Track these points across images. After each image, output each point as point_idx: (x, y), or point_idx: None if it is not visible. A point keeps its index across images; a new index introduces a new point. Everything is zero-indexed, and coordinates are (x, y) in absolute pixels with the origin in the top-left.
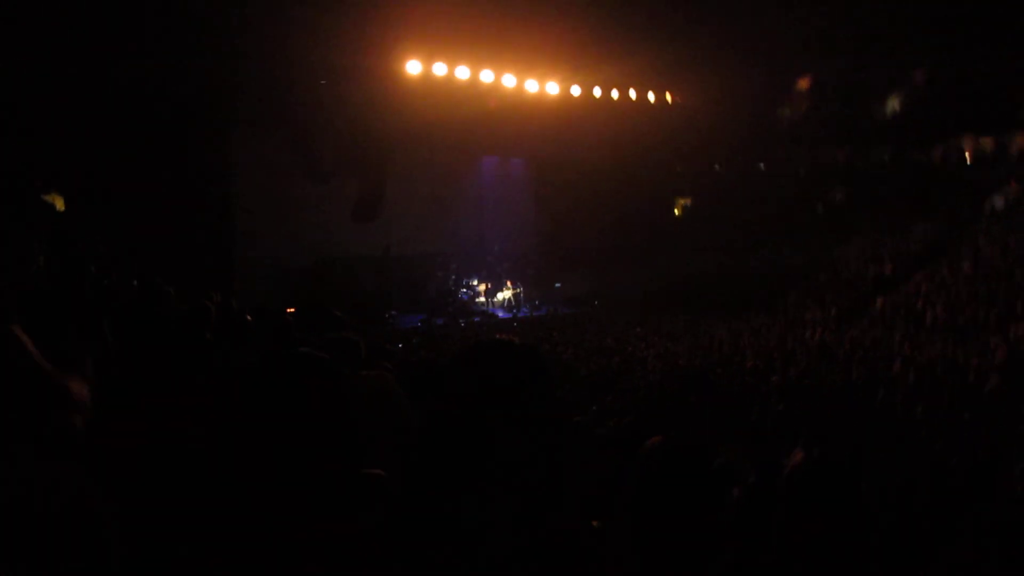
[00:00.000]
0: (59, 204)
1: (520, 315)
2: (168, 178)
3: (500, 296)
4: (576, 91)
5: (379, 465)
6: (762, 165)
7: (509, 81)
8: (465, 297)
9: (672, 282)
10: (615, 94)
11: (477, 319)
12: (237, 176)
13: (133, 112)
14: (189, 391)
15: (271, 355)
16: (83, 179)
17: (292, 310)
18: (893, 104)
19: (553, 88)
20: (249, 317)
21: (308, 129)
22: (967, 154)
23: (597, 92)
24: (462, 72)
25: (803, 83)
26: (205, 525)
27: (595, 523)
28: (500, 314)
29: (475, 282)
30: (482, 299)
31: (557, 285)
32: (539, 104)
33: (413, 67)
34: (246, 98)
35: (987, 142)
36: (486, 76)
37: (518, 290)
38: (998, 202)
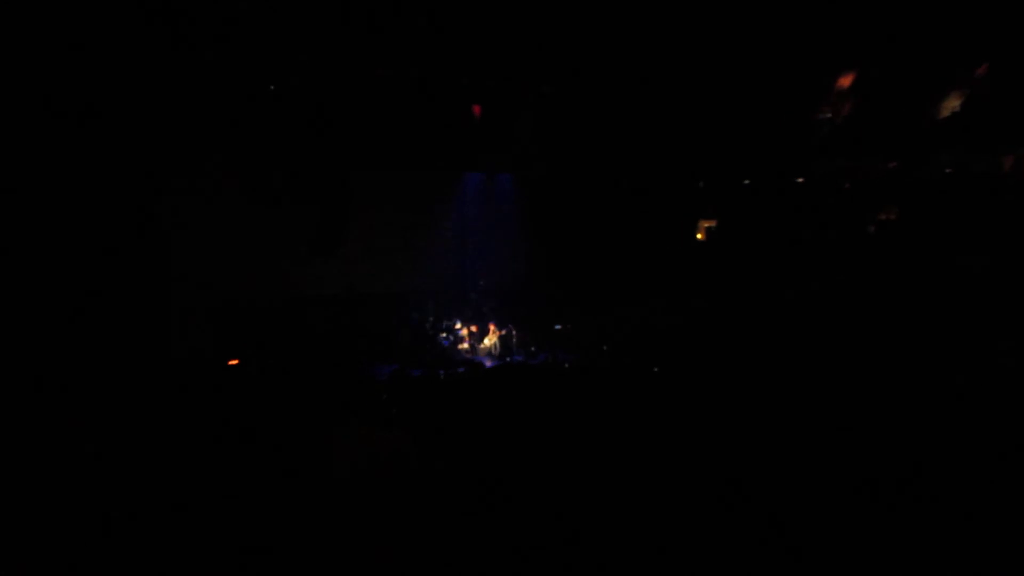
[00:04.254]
0: None
1: (514, 361)
2: (89, 208)
3: (487, 341)
4: (575, 93)
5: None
6: (800, 179)
7: (494, 84)
8: (446, 343)
9: (697, 322)
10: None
11: (461, 370)
12: (169, 203)
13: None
14: None
15: None
16: None
17: (236, 361)
18: (952, 104)
19: (547, 90)
20: None
21: (254, 142)
22: None
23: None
24: (439, 74)
25: (845, 81)
26: None
27: None
28: (488, 363)
29: (457, 325)
30: (466, 345)
31: (557, 327)
32: (530, 110)
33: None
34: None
35: None
36: (468, 78)
37: (507, 333)
38: None
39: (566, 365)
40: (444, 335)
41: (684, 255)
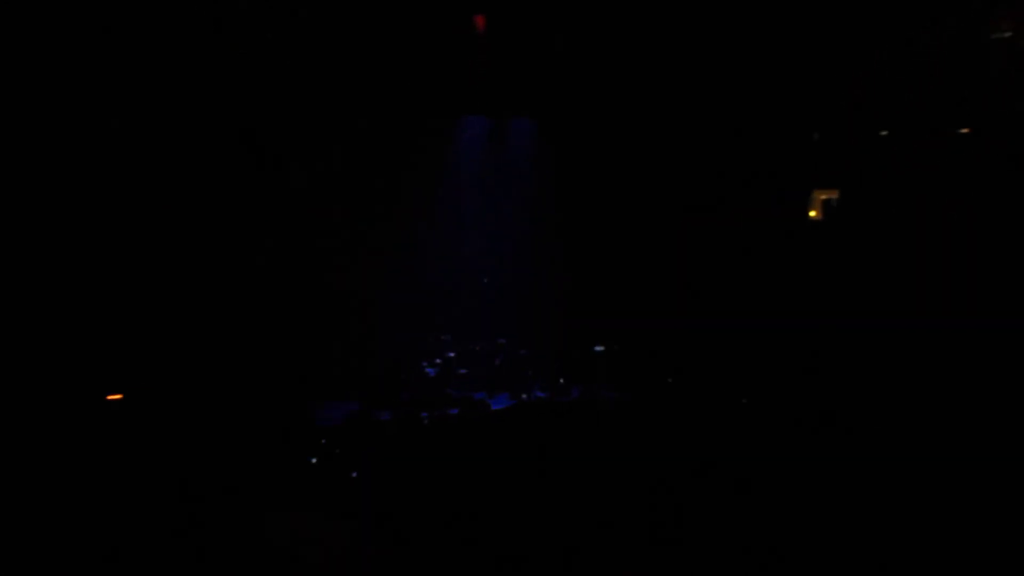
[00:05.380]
0: None
1: (533, 399)
2: None
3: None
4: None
5: None
6: (964, 130)
7: None
8: (431, 372)
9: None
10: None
11: (454, 411)
12: None
13: None
14: None
15: None
16: None
17: (119, 396)
18: None
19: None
20: None
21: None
22: None
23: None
24: None
25: None
26: None
27: None
28: (493, 403)
29: (448, 344)
30: (461, 374)
31: (597, 348)
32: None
33: None
34: None
35: None
36: None
37: (522, 356)
38: None
39: (612, 406)
40: (429, 360)
41: (790, 241)
